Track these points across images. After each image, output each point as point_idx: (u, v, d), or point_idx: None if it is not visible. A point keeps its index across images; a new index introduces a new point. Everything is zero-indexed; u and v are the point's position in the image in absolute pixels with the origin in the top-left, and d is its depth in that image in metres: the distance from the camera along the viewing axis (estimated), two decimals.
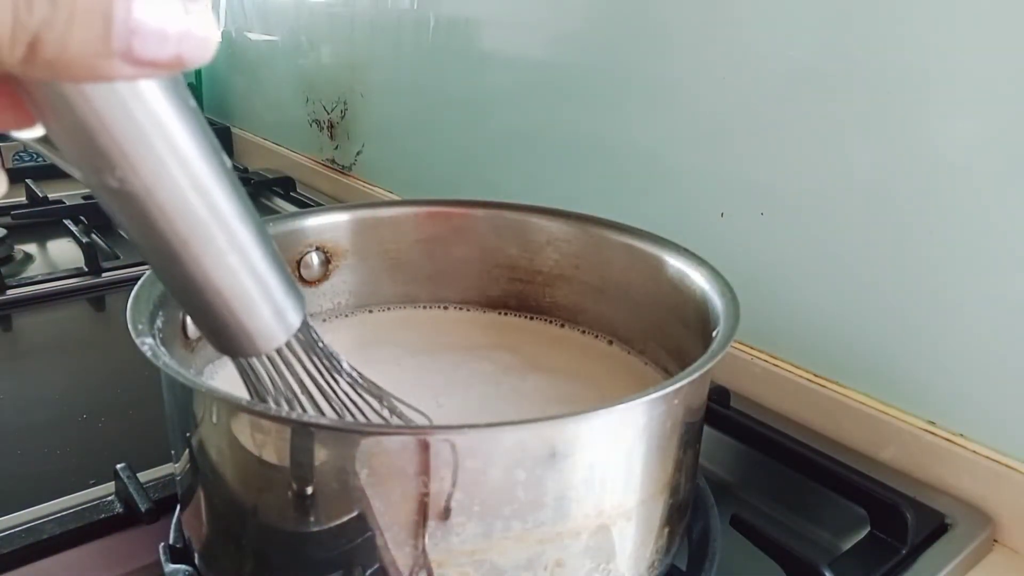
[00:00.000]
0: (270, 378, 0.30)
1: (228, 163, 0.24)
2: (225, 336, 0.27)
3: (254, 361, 0.30)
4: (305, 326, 0.30)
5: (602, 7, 0.65)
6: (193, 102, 0.22)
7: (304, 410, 0.32)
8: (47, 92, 0.20)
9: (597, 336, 0.50)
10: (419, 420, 0.35)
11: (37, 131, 0.21)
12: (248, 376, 0.31)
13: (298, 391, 0.31)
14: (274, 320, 0.28)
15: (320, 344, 0.32)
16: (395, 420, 0.34)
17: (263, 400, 0.31)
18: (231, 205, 0.24)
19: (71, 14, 0.17)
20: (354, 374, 0.34)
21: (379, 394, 0.34)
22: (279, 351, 0.29)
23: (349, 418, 0.33)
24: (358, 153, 1.02)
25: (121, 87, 0.20)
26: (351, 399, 0.34)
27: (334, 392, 0.33)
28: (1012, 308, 0.44)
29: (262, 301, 0.27)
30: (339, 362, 0.33)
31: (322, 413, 0.33)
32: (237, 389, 0.32)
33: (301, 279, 0.49)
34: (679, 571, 0.38)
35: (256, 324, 0.27)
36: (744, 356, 0.57)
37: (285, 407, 0.31)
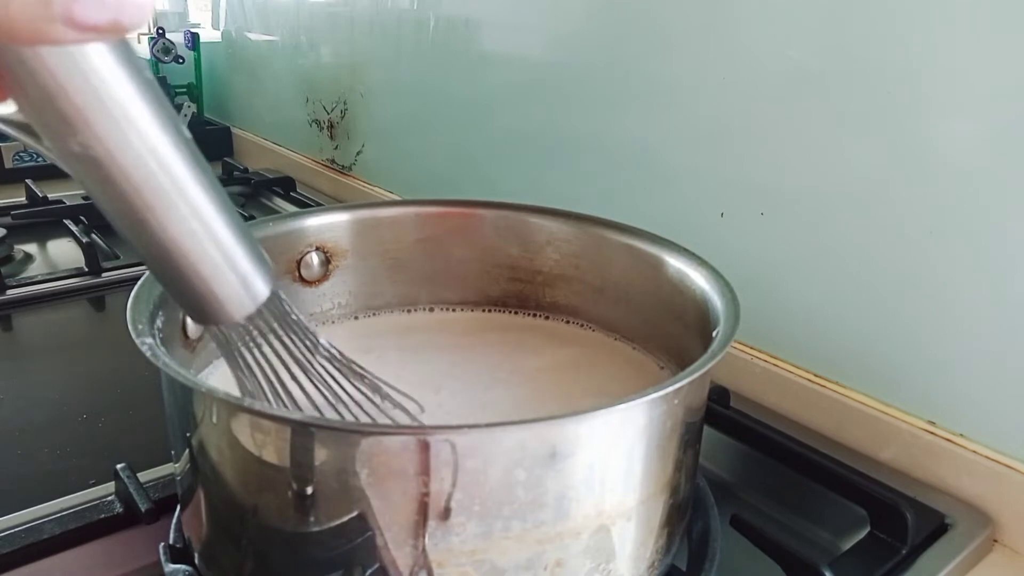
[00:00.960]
0: (247, 350, 0.31)
1: (188, 134, 0.25)
2: (194, 303, 0.29)
3: (231, 333, 0.31)
4: (276, 298, 0.30)
5: (602, 7, 0.65)
6: (150, 74, 0.24)
7: (280, 383, 0.32)
8: (9, 60, 0.21)
9: (597, 330, 0.50)
10: (401, 400, 0.36)
11: (9, 107, 0.23)
12: (225, 348, 0.31)
13: (275, 364, 0.32)
14: (241, 288, 0.29)
15: (294, 317, 0.32)
16: (376, 397, 0.35)
17: (241, 372, 0.32)
18: (190, 172, 0.26)
19: None
20: (332, 351, 0.34)
21: (360, 372, 0.35)
22: (253, 322, 0.30)
23: (327, 392, 0.34)
24: (358, 153, 1.02)
25: (75, 54, 0.21)
26: (329, 374, 0.34)
27: (311, 366, 0.33)
28: (1012, 308, 0.44)
29: (227, 268, 0.28)
30: (316, 338, 0.33)
31: (299, 385, 0.33)
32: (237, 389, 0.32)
33: (301, 279, 0.50)
34: (679, 571, 0.38)
35: (223, 291, 0.28)
36: (744, 356, 0.57)
37: (261, 381, 0.32)
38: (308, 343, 0.33)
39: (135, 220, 0.25)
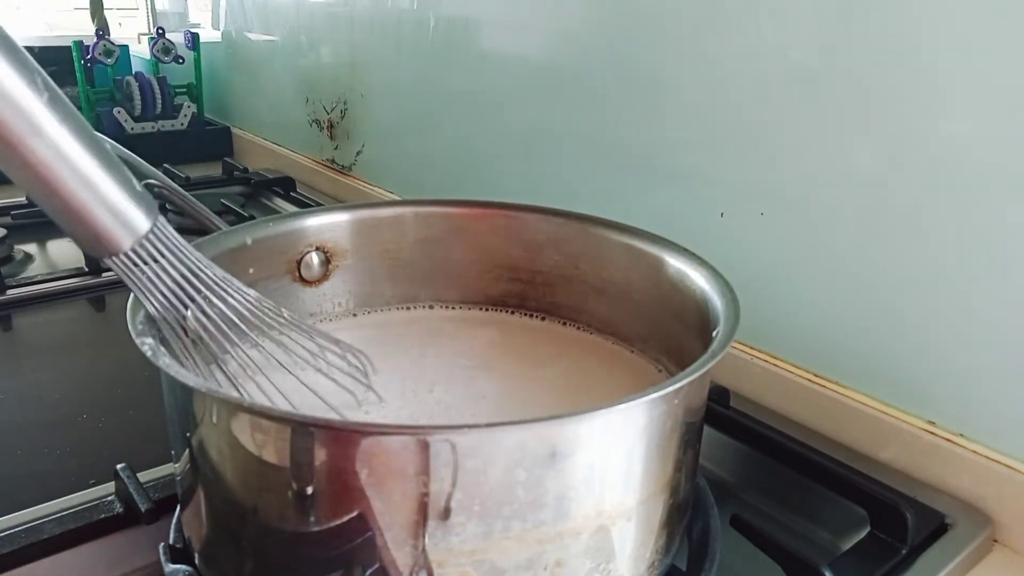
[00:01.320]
0: (143, 282, 0.33)
1: (55, 93, 0.29)
2: (78, 236, 0.32)
3: (128, 268, 0.33)
4: (157, 234, 0.33)
5: (602, 7, 0.65)
6: (7, 34, 0.27)
7: (179, 323, 0.34)
8: None
9: (594, 333, 0.50)
10: (320, 341, 0.37)
11: None
12: (130, 283, 0.33)
13: (170, 295, 0.34)
14: (116, 222, 0.31)
15: (180, 255, 0.34)
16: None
17: (147, 306, 0.34)
18: (52, 118, 0.29)
19: None
20: (215, 279, 0.35)
21: (270, 315, 0.36)
22: (141, 255, 0.33)
23: (216, 333, 0.35)
24: (358, 153, 1.02)
25: None
26: (219, 304, 0.35)
27: (197, 293, 0.35)
28: (1012, 308, 0.44)
29: (98, 203, 0.31)
30: (214, 276, 0.35)
31: (198, 315, 0.35)
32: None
33: (301, 279, 0.50)
34: (679, 571, 0.38)
35: (99, 224, 0.31)
36: (744, 356, 0.57)
37: (161, 318, 0.34)
38: (203, 278, 0.34)
39: (15, 169, 0.29)
